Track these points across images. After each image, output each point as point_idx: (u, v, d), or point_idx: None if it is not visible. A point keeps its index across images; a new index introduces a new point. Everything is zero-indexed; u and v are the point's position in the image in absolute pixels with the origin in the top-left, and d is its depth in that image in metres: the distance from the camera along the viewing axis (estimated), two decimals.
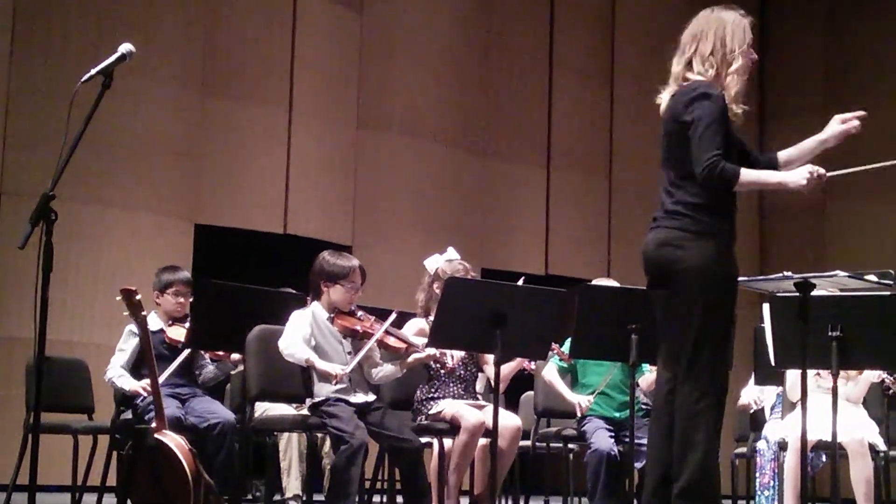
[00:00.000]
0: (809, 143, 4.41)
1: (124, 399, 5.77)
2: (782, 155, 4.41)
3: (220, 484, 5.26)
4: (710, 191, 4.12)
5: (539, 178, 10.87)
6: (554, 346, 5.72)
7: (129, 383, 5.65)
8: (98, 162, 8.01)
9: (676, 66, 4.26)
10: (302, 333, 5.28)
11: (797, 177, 4.16)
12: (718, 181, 4.07)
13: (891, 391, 6.09)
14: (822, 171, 4.19)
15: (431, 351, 5.34)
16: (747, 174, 4.12)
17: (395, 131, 9.90)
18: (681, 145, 4.14)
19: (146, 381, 5.52)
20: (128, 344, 5.75)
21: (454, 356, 5.66)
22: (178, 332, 5.80)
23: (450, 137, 10.19)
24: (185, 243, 8.55)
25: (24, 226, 3.57)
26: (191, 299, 5.91)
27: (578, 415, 6.07)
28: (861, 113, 4.35)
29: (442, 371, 5.69)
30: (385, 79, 9.88)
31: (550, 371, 6.21)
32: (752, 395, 6.56)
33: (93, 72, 3.75)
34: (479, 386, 6.10)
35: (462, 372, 5.77)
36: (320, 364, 5.21)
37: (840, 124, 4.37)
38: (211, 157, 8.80)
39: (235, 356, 5.84)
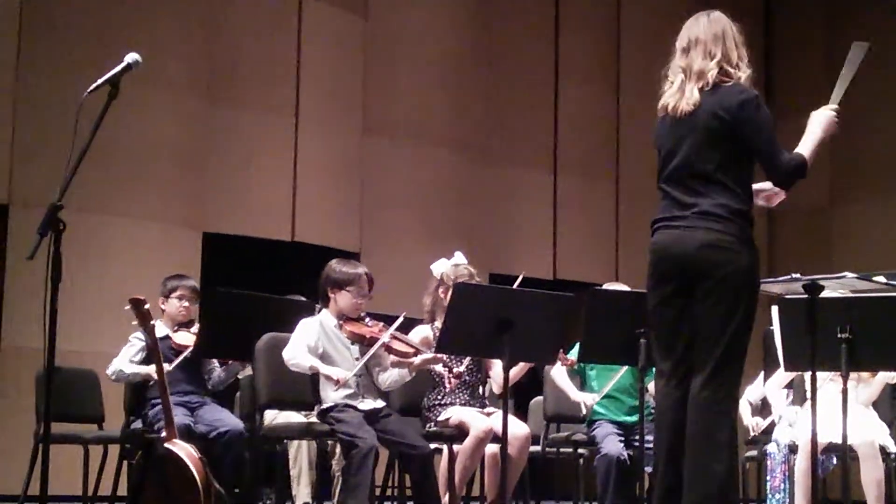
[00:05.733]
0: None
1: (134, 408, 5.77)
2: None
3: (230, 492, 5.27)
4: (748, 198, 4.15)
5: (546, 183, 10.87)
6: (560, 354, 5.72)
7: (138, 368, 5.64)
8: (105, 172, 8.02)
9: (700, 63, 4.17)
10: (307, 342, 5.30)
11: (828, 121, 4.27)
12: (794, 175, 4.17)
13: None
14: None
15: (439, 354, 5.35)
16: (808, 155, 4.21)
17: (401, 137, 9.90)
18: (724, 143, 4.12)
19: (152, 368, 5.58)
20: (132, 348, 5.74)
21: (462, 362, 5.68)
22: (184, 338, 5.82)
23: (456, 143, 10.19)
24: (193, 252, 8.55)
25: (32, 236, 3.57)
26: (195, 305, 5.93)
27: (583, 412, 6.05)
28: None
29: (451, 376, 5.69)
30: (390, 85, 9.88)
31: (558, 371, 6.19)
32: (754, 418, 6.54)
33: (99, 82, 3.75)
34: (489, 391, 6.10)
35: (468, 378, 5.77)
36: (325, 369, 5.24)
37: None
38: (217, 165, 8.80)
39: None
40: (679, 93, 4.19)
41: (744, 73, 4.21)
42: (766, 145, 4.12)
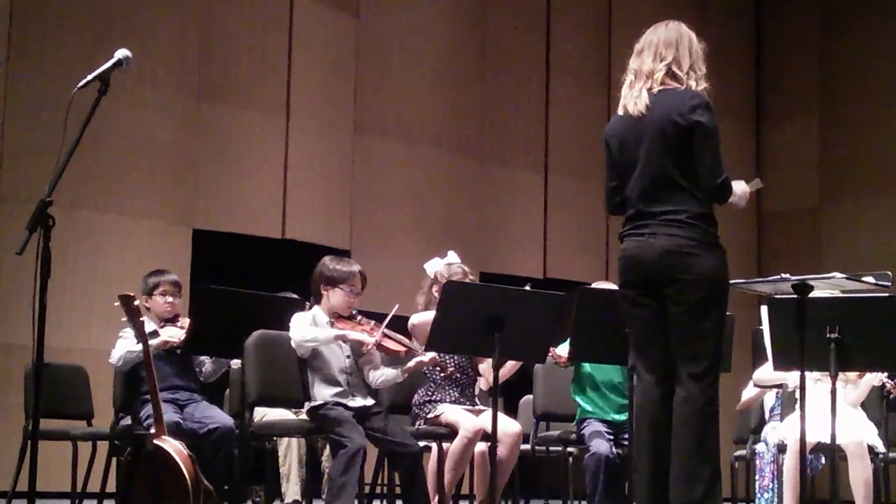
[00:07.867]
0: None
1: (123, 405, 5.76)
2: None
3: (219, 489, 5.26)
4: (708, 201, 4.20)
5: (537, 182, 10.87)
6: (551, 350, 5.71)
7: (140, 347, 5.52)
8: (95, 168, 8.01)
9: (649, 65, 4.28)
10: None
11: (742, 195, 4.32)
12: (721, 194, 4.20)
13: (891, 395, 6.09)
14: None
15: (432, 354, 5.34)
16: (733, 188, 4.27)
17: (391, 136, 9.90)
18: (682, 148, 4.16)
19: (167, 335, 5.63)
20: (130, 339, 5.68)
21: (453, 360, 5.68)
22: (171, 333, 5.80)
23: (447, 142, 10.20)
24: (183, 248, 8.54)
25: (21, 232, 3.56)
26: (179, 299, 5.92)
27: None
28: None
29: (441, 374, 5.69)
30: (382, 83, 9.88)
31: None
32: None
33: (89, 78, 3.75)
34: (478, 389, 6.10)
35: (458, 376, 5.78)
36: (352, 334, 5.24)
37: None
38: (208, 162, 8.80)
39: None
40: (629, 92, 4.30)
41: (697, 84, 4.25)
42: (711, 152, 4.17)
